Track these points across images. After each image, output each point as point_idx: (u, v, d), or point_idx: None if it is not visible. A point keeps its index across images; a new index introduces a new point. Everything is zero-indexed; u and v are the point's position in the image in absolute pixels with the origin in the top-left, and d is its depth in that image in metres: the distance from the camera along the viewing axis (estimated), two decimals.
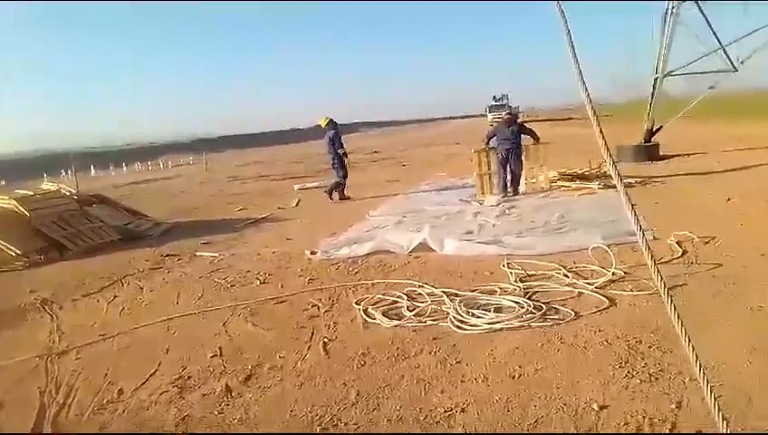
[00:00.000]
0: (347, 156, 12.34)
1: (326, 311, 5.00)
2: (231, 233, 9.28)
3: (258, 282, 6.16)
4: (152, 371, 4.05)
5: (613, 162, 1.68)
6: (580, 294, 4.82)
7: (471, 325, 4.28)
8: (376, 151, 29.77)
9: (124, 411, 3.50)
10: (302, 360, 4.02)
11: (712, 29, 14.40)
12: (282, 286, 5.90)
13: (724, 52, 14.52)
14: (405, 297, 5.05)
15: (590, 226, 7.28)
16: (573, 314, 4.34)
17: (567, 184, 10.97)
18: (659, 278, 1.53)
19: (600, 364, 3.52)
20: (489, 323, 4.26)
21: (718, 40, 14.49)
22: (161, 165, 36.43)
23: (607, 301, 4.56)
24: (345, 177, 12.27)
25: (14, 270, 7.77)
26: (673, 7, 14.28)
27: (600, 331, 4.02)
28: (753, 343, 3.60)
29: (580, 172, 11.51)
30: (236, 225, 10.04)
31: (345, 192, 12.30)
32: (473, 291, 5.07)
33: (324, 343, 4.27)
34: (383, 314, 4.68)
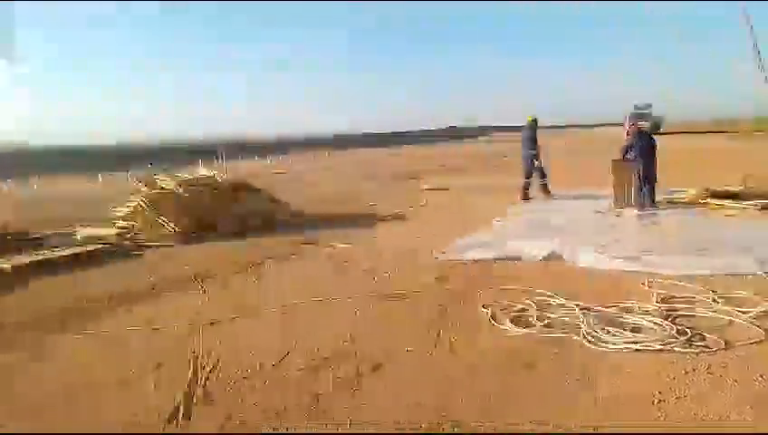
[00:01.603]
0: (537, 158, 12.23)
1: (452, 311, 5.05)
2: (362, 227, 9.65)
3: (387, 275, 6.36)
4: (289, 349, 4.34)
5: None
6: (731, 322, 4.42)
7: (605, 342, 4.11)
8: (505, 157, 29.23)
9: (265, 382, 3.79)
10: (428, 355, 4.10)
11: None
12: (409, 283, 6.03)
13: None
14: (534, 306, 4.95)
15: (743, 249, 6.62)
16: (723, 343, 4.00)
17: (717, 202, 10.04)
18: None
19: (752, 401, 3.22)
20: (626, 343, 4.06)
21: None
22: (302, 157, 38.56)
23: (764, 333, 4.15)
24: (528, 177, 12.23)
25: (171, 246, 8.68)
26: None
27: (753, 365, 3.67)
28: None
29: (732, 190, 10.47)
30: (368, 219, 10.42)
31: (529, 194, 12.24)
32: (608, 307, 4.85)
33: (450, 342, 4.32)
34: (511, 321, 4.63)
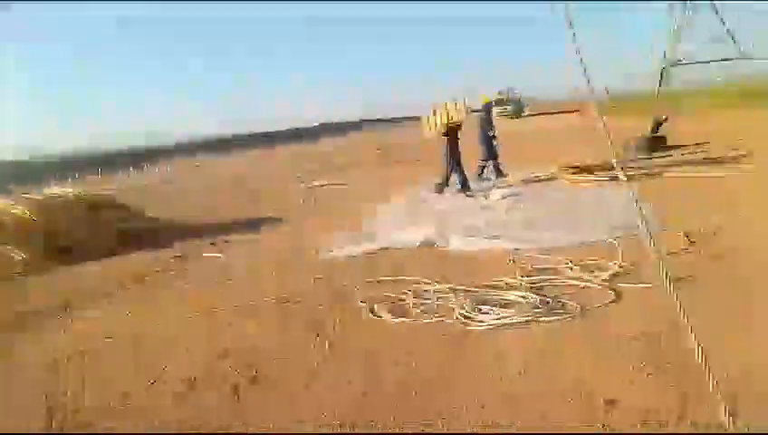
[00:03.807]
0: (495, 139, 12.39)
1: (331, 309, 5.00)
2: (235, 233, 9.29)
3: (263, 281, 6.17)
4: (159, 373, 4.05)
5: (616, 155, 1.66)
6: (586, 287, 4.79)
7: (478, 321, 4.27)
8: (379, 149, 29.72)
9: (135, 411, 3.50)
10: (306, 359, 4.01)
11: (720, 16, 14.25)
12: (286, 285, 5.90)
13: (732, 40, 14.35)
14: (411, 294, 5.03)
15: (597, 219, 7.23)
16: (580, 308, 4.31)
17: (574, 177, 10.89)
18: (664, 271, 1.51)
19: (606, 358, 3.50)
20: (496, 319, 4.24)
21: (726, 28, 14.33)
22: (167, 168, 36.59)
23: (613, 294, 4.53)
24: (487, 159, 12.42)
25: (22, 275, 7.79)
26: None
27: (606, 324, 4.00)
28: (757, 331, 3.57)
29: (587, 165, 11.41)
30: (240, 225, 10.05)
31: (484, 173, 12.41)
32: (479, 287, 5.04)
33: (330, 342, 4.26)
34: (389, 312, 4.67)
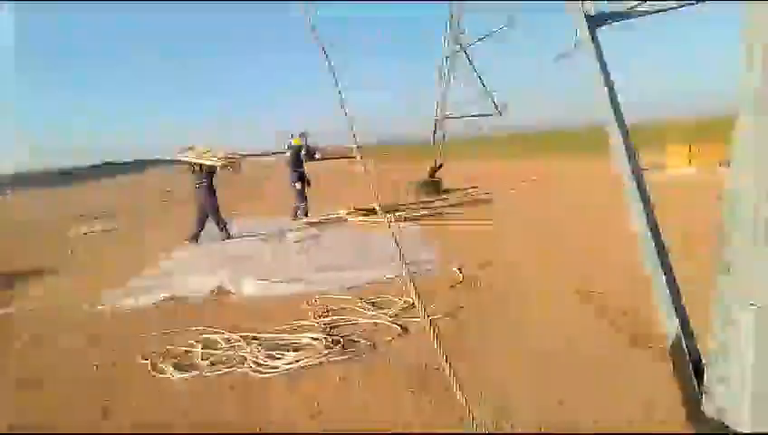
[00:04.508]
0: (303, 179, 12.46)
1: (108, 370, 4.47)
2: None
3: (25, 345, 5.29)
4: None
5: (378, 201, 1.77)
6: (376, 324, 5.00)
7: (270, 368, 4.17)
8: (168, 190, 28.08)
9: None
10: (79, 429, 3.51)
11: (479, 77, 16.45)
12: (55, 347, 5.14)
13: (491, 98, 16.64)
14: (198, 345, 4.74)
15: (386, 258, 7.63)
16: (370, 344, 4.48)
17: (363, 219, 11.45)
18: (423, 311, 1.63)
19: (395, 390, 3.67)
20: (288, 364, 4.20)
21: (484, 86, 16.58)
22: None
23: (401, 329, 4.80)
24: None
25: None
26: (447, 57, 16.04)
27: (394, 358, 4.21)
28: (514, 352, 4.06)
29: (373, 207, 12.09)
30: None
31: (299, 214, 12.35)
32: (272, 332, 4.95)
33: (105, 407, 3.79)
34: (174, 367, 4.33)
